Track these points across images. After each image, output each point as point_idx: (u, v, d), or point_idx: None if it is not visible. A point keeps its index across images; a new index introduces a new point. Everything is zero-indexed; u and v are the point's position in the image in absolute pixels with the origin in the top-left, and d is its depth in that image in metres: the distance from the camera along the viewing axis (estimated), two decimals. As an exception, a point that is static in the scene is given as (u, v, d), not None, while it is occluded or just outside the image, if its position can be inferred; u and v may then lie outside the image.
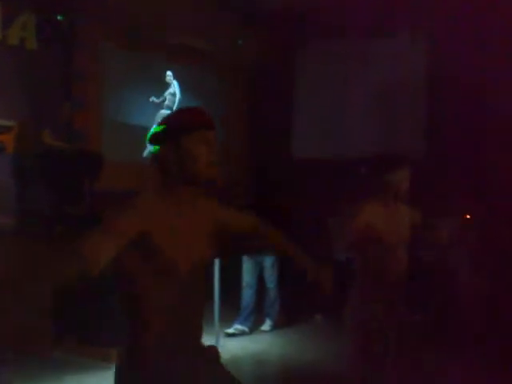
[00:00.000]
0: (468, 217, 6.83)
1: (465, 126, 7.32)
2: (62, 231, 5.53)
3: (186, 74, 8.72)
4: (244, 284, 6.17)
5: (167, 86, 8.59)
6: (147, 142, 1.91)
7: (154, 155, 2.00)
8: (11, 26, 6.45)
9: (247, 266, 6.17)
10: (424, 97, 8.00)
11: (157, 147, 1.98)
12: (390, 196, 3.35)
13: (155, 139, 2.00)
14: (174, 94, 8.68)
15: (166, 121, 2.01)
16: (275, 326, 6.26)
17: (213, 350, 2.17)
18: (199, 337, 2.11)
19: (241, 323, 6.06)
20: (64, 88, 6.91)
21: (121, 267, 1.90)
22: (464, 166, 7.13)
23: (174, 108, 8.64)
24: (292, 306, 6.51)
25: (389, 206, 3.37)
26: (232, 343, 5.73)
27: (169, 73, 8.52)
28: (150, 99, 8.31)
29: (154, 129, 2.11)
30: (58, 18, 6.78)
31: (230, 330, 5.99)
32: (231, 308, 6.12)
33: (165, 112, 8.58)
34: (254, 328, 6.19)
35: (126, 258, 1.86)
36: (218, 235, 2.10)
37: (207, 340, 6.01)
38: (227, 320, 5.95)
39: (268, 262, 6.19)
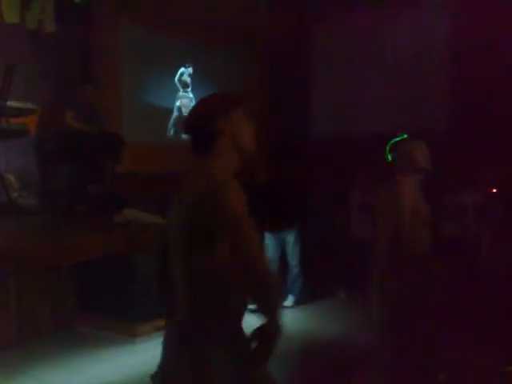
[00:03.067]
0: (494, 191, 6.77)
1: (490, 99, 7.20)
2: (85, 210, 5.62)
3: (203, 52, 8.69)
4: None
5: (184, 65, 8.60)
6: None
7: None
8: (30, 9, 6.48)
9: (270, 242, 6.20)
10: (447, 69, 7.85)
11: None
12: (412, 172, 3.36)
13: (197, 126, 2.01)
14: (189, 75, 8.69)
15: (212, 97, 2.05)
16: (298, 302, 6.30)
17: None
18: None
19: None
20: (84, 69, 6.95)
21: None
22: (489, 140, 7.03)
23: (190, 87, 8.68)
24: (315, 282, 6.52)
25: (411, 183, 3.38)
26: (256, 319, 5.76)
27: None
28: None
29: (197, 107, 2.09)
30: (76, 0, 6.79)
31: (253, 306, 6.03)
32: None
33: (184, 93, 8.61)
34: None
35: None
36: None
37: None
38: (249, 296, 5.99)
39: (290, 238, 6.22)
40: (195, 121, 2.03)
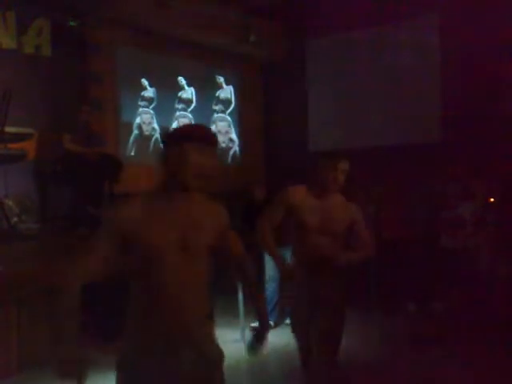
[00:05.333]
0: (492, 200, 6.80)
1: (483, 109, 7.26)
2: (85, 232, 5.63)
3: (200, 72, 8.78)
4: (267, 278, 6.21)
5: (182, 87, 8.66)
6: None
7: (159, 156, 2.13)
8: (26, 33, 6.56)
9: (270, 260, 6.21)
10: (440, 81, 7.92)
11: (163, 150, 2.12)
12: (320, 186, 3.34)
13: (163, 141, 2.17)
14: (189, 100, 8.73)
15: (177, 128, 2.21)
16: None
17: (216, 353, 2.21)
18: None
19: (265, 317, 6.10)
20: (81, 92, 7.00)
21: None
22: (484, 150, 7.08)
23: (189, 110, 8.72)
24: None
25: (316, 195, 3.35)
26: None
27: (181, 78, 8.58)
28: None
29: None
30: (71, 23, 6.86)
31: (256, 324, 6.04)
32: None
33: (181, 113, 8.66)
34: (279, 321, 6.23)
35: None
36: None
37: (233, 334, 6.08)
38: (252, 314, 5.99)
39: (290, 255, 6.22)
40: (162, 137, 2.26)
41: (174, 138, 2.09)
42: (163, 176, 2.10)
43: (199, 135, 2.07)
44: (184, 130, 2.15)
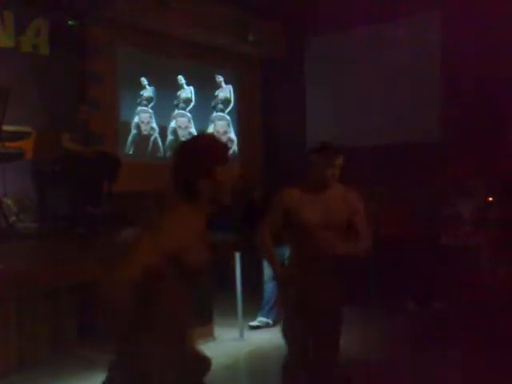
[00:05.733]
0: (490, 199, 6.80)
1: (483, 107, 7.26)
2: (84, 232, 5.62)
3: (199, 71, 8.77)
4: (266, 277, 6.20)
5: (181, 86, 8.65)
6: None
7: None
8: (24, 33, 6.54)
9: (268, 259, 6.21)
10: (440, 79, 7.92)
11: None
12: (317, 182, 3.32)
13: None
14: (188, 99, 8.72)
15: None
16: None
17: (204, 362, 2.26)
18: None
19: (264, 315, 6.10)
20: (80, 91, 6.99)
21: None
22: (484, 149, 7.08)
23: (188, 109, 8.71)
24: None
25: (312, 191, 3.32)
26: (256, 335, 5.77)
27: (180, 77, 8.56)
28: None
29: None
30: (70, 22, 6.85)
31: (254, 323, 6.03)
32: (254, 301, 6.16)
33: (180, 112, 8.65)
34: (278, 320, 6.22)
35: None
36: None
37: (232, 333, 6.07)
38: (251, 313, 6.00)
39: (288, 254, 6.21)
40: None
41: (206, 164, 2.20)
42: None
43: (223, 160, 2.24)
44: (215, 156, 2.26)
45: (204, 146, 2.22)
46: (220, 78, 9.16)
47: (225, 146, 2.30)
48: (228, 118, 9.30)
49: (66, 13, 6.79)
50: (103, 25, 7.13)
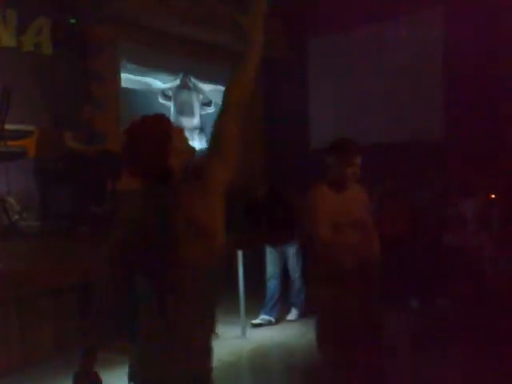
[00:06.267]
0: (493, 197, 6.79)
1: (485, 106, 7.25)
2: (87, 231, 5.63)
3: (201, 69, 8.77)
4: (268, 275, 6.21)
5: (184, 85, 8.64)
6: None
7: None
8: (26, 32, 6.55)
9: (271, 257, 6.21)
10: (443, 78, 7.91)
11: None
12: (338, 180, 3.28)
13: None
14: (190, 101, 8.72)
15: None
16: (301, 315, 6.29)
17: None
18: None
19: (267, 313, 6.11)
20: (83, 90, 6.99)
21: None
22: (486, 147, 7.07)
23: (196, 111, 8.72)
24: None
25: (337, 189, 3.29)
26: (259, 333, 5.78)
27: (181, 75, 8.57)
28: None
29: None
30: (72, 21, 6.85)
31: (257, 321, 6.04)
32: (257, 299, 6.16)
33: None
34: (280, 318, 6.23)
35: None
36: None
37: (234, 331, 6.07)
38: (253, 311, 6.00)
39: (291, 252, 6.22)
40: None
41: None
42: None
43: None
44: None
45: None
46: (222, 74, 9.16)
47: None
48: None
49: (67, 11, 6.79)
50: (105, 23, 7.12)
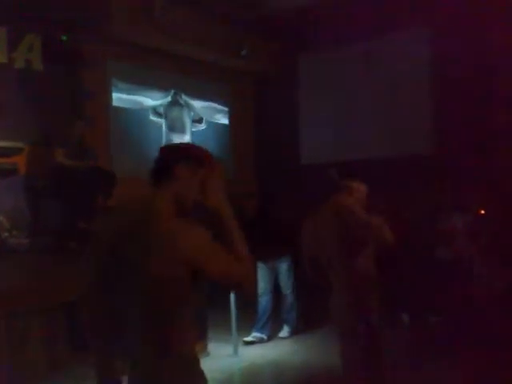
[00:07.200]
0: (482, 212, 6.82)
1: (474, 121, 7.32)
2: (76, 247, 5.59)
3: (192, 86, 8.80)
4: (260, 291, 6.18)
5: (175, 101, 8.65)
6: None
7: None
8: (17, 49, 6.54)
9: (262, 273, 6.18)
10: (431, 94, 7.98)
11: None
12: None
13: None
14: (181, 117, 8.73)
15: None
16: (293, 333, 6.25)
17: None
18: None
19: (258, 331, 6.07)
20: (74, 107, 6.98)
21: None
22: (475, 163, 7.11)
23: (187, 128, 8.72)
24: (310, 311, 6.49)
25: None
26: (251, 351, 5.74)
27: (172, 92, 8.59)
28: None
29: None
30: (63, 38, 6.86)
31: (249, 338, 6.00)
32: (248, 315, 6.13)
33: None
34: (273, 335, 6.19)
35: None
36: None
37: (226, 349, 6.01)
38: (245, 328, 5.96)
39: (283, 267, 6.20)
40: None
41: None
42: None
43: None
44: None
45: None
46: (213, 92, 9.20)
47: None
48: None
49: (58, 28, 6.81)
50: (96, 40, 7.15)
